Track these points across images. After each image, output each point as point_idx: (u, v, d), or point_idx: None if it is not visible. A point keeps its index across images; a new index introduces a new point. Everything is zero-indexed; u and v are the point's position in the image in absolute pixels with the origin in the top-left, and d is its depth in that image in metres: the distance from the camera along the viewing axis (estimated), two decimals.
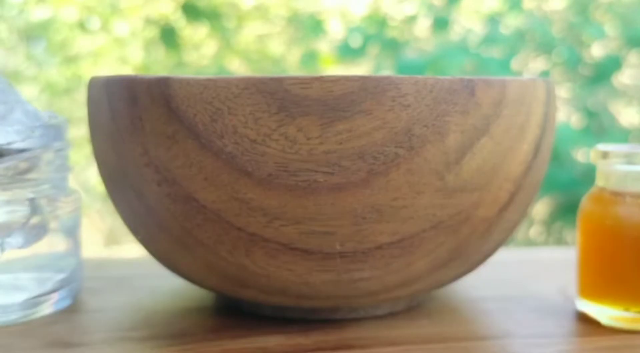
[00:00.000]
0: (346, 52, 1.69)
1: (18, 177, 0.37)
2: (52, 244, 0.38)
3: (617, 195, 0.36)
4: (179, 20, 1.75)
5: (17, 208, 0.37)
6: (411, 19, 1.72)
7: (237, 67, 1.81)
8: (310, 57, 1.75)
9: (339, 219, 0.31)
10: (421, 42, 1.72)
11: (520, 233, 1.59)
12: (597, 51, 1.63)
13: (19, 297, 0.37)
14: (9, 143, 0.36)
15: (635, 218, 0.35)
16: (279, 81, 0.30)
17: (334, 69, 1.74)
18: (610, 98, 1.64)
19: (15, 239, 0.36)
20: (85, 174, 1.64)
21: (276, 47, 1.88)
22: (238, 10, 1.81)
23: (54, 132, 0.38)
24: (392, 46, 1.68)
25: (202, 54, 1.83)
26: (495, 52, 1.61)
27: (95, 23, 1.79)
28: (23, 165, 0.37)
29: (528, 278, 0.45)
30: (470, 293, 0.42)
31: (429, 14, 1.70)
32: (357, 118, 0.30)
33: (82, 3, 1.76)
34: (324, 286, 0.33)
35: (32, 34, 1.79)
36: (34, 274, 0.38)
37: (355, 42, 1.70)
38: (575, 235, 0.38)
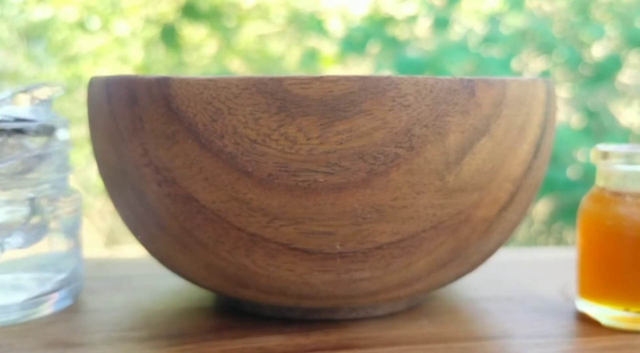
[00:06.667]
0: (348, 47, 1.69)
1: (18, 177, 0.37)
2: (53, 244, 0.38)
3: (617, 195, 0.36)
4: (179, 20, 1.75)
5: (17, 208, 0.37)
6: (411, 19, 1.72)
7: (237, 67, 1.81)
8: (310, 57, 1.75)
9: (339, 220, 0.31)
10: (421, 41, 1.72)
11: (520, 233, 1.59)
12: (597, 51, 1.63)
13: (19, 297, 0.37)
14: None
15: (635, 218, 0.35)
16: (279, 81, 0.30)
17: (334, 69, 1.74)
18: (610, 98, 1.64)
19: (15, 239, 0.36)
20: (85, 174, 1.64)
21: (276, 47, 1.88)
22: (238, 10, 1.81)
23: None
24: (393, 45, 1.68)
25: (202, 54, 1.83)
26: (495, 52, 1.61)
27: (95, 23, 1.79)
28: (23, 165, 0.37)
29: (528, 278, 0.45)
30: (470, 293, 0.42)
31: (429, 14, 1.70)
32: (357, 118, 0.30)
33: (82, 3, 1.76)
34: (324, 286, 0.33)
35: (32, 34, 1.79)
36: (34, 274, 0.38)
37: (356, 41, 1.70)
38: (575, 235, 0.38)
